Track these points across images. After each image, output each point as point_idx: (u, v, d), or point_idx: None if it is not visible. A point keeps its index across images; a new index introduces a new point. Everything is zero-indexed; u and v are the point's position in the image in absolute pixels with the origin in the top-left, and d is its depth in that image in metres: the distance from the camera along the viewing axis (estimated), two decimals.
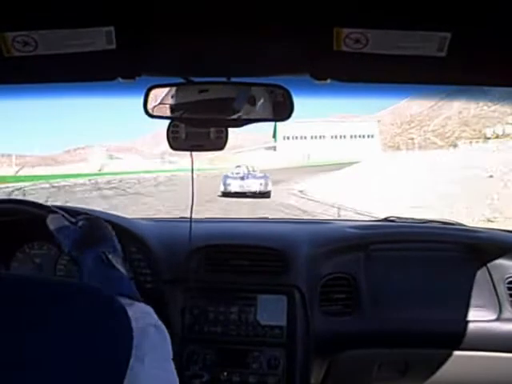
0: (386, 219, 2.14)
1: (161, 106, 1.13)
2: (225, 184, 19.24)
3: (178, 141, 1.36)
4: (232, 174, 20.83)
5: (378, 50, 0.86)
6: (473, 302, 1.68)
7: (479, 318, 1.66)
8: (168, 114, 1.16)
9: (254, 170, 22.09)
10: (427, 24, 0.82)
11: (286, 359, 1.58)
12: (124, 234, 1.62)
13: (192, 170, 1.47)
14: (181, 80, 1.11)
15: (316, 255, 1.71)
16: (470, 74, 1.00)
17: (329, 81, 1.04)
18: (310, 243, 1.76)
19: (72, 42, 0.86)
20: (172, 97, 1.13)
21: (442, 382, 1.75)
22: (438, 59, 0.86)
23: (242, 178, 19.71)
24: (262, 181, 19.42)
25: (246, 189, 18.78)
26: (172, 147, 1.37)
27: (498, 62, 0.93)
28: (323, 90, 1.13)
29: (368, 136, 64.41)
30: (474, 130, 56.09)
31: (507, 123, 51.68)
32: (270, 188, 19.12)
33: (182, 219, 1.90)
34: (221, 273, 1.68)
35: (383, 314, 1.67)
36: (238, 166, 22.35)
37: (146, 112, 1.12)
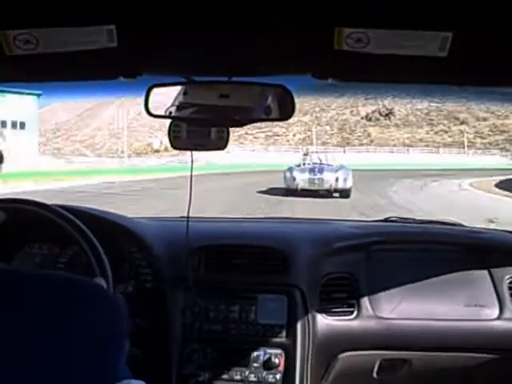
0: (386, 219, 2.14)
1: (172, 106, 1.13)
2: (288, 178, 14.81)
3: (179, 140, 1.36)
4: (299, 165, 16.32)
5: (379, 49, 0.86)
6: (474, 301, 1.68)
7: (480, 318, 1.66)
8: (172, 113, 1.15)
9: (327, 160, 17.08)
10: (429, 24, 0.82)
11: (286, 359, 1.59)
12: (124, 233, 1.66)
13: (191, 169, 1.47)
14: (182, 79, 1.10)
15: (316, 255, 1.71)
16: (472, 74, 1.00)
17: (330, 80, 1.04)
18: (311, 243, 1.76)
19: (73, 40, 0.86)
20: (182, 97, 1.13)
21: (442, 382, 1.76)
22: (440, 59, 0.86)
23: (313, 171, 14.82)
24: (340, 174, 14.34)
25: (317, 185, 14.30)
26: (173, 146, 1.38)
27: (500, 62, 0.92)
28: (324, 88, 1.13)
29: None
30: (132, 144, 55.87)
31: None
32: (350, 185, 14.17)
33: (182, 218, 1.89)
34: (221, 272, 1.68)
35: (383, 313, 1.67)
36: (306, 155, 17.91)
37: (147, 111, 1.11)
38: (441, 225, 2.04)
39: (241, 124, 1.21)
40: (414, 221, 2.10)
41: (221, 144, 1.36)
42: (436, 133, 57.80)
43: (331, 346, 1.66)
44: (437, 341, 1.66)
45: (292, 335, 1.60)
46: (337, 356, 1.66)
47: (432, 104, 59.62)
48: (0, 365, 0.54)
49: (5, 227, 1.44)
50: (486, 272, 1.71)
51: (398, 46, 0.85)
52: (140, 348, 1.49)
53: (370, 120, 59.02)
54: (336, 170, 14.74)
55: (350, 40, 0.85)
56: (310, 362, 1.61)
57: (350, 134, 58.06)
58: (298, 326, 1.60)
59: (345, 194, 14.06)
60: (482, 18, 0.80)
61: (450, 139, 55.47)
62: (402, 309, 1.67)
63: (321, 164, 16.33)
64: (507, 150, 50.62)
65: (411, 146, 50.35)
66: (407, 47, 0.85)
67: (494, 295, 1.68)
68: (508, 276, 1.70)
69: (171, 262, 1.67)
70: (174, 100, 1.13)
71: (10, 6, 0.80)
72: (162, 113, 1.15)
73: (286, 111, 1.12)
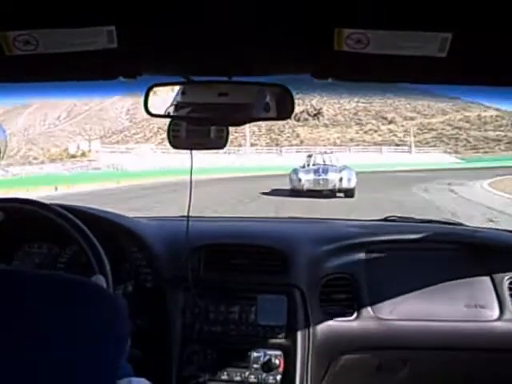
0: (386, 219, 2.14)
1: (172, 105, 1.13)
2: (293, 179, 15.06)
3: (178, 140, 1.36)
4: (303, 166, 16.61)
5: (379, 50, 0.87)
6: (474, 301, 1.68)
7: (480, 318, 1.66)
8: (171, 113, 1.15)
9: (331, 161, 17.22)
10: (428, 24, 0.83)
11: (286, 359, 1.59)
12: (124, 233, 1.65)
13: (191, 169, 1.46)
14: (181, 79, 1.11)
15: (316, 255, 1.72)
16: (471, 75, 1.01)
17: (330, 80, 1.05)
18: (311, 242, 1.77)
19: (73, 41, 0.87)
20: (182, 96, 1.12)
21: (441, 382, 1.76)
22: (439, 59, 0.87)
23: (317, 172, 15.08)
24: (344, 174, 14.50)
25: (322, 185, 14.48)
26: (173, 146, 1.38)
27: (499, 62, 0.93)
28: (324, 89, 1.15)
29: None
30: (42, 149, 53.47)
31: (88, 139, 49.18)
32: (353, 184, 14.27)
33: (181, 218, 1.89)
34: (221, 272, 1.68)
35: (383, 314, 1.67)
36: (310, 156, 18.01)
37: (147, 110, 1.11)
38: (441, 224, 2.04)
39: (240, 123, 1.20)
40: (414, 220, 2.10)
41: (220, 143, 1.36)
42: (366, 132, 57.62)
43: (331, 347, 1.66)
44: (437, 341, 1.66)
45: (292, 336, 1.60)
46: (337, 357, 1.66)
47: (360, 104, 61.09)
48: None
49: (4, 227, 1.43)
50: (486, 272, 1.71)
51: (398, 46, 0.86)
52: (140, 349, 1.48)
53: (298, 120, 58.36)
54: (340, 171, 14.87)
55: (349, 41, 0.85)
56: (310, 362, 1.62)
57: (279, 134, 57.53)
58: (298, 326, 1.61)
59: (349, 193, 14.13)
60: (481, 18, 0.81)
61: (380, 138, 55.23)
62: (401, 309, 1.68)
63: (325, 165, 16.41)
64: (437, 147, 52.57)
65: (341, 146, 49.38)
66: (407, 48, 0.86)
67: (494, 296, 1.68)
68: (508, 276, 1.70)
69: (171, 261, 1.66)
70: (173, 99, 1.13)
71: (10, 7, 0.80)
72: (161, 112, 1.14)
73: (285, 110, 1.12)
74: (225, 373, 1.60)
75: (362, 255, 1.75)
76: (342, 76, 1.06)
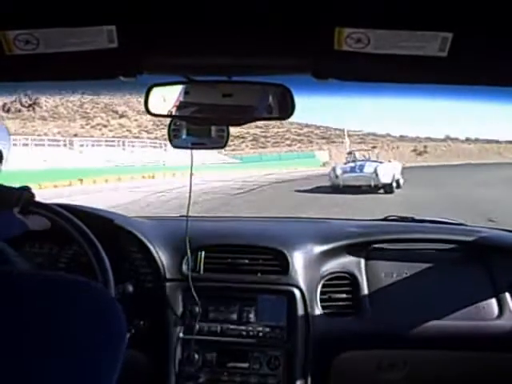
0: (386, 218, 2.14)
1: (174, 105, 1.13)
2: (332, 176, 15.66)
3: (178, 139, 1.38)
4: (346, 163, 17.14)
5: (379, 49, 0.87)
6: (473, 301, 1.68)
7: (480, 318, 1.66)
8: (173, 112, 1.15)
9: (370, 157, 18.06)
10: (429, 24, 0.83)
11: (286, 359, 1.60)
12: (124, 232, 1.65)
13: (191, 168, 1.47)
14: (182, 78, 1.10)
15: (316, 254, 1.72)
16: (471, 74, 1.02)
17: (330, 80, 1.05)
18: (311, 242, 1.76)
19: (73, 40, 0.87)
20: (183, 96, 1.13)
21: (441, 382, 1.77)
22: (440, 59, 0.88)
23: (354, 168, 15.66)
24: (380, 169, 14.81)
25: (358, 181, 14.85)
26: (173, 145, 1.39)
27: (500, 62, 0.95)
28: (324, 88, 1.15)
29: None
30: None
31: None
32: (389, 179, 14.52)
33: (181, 217, 1.89)
34: (221, 273, 1.68)
35: (383, 313, 1.68)
36: (350, 153, 18.95)
37: (147, 110, 1.11)
38: (441, 224, 2.04)
39: (241, 123, 1.19)
40: (414, 220, 2.10)
41: (221, 142, 1.37)
42: (93, 127, 54.12)
43: (331, 347, 1.67)
44: (437, 341, 1.66)
45: (292, 336, 1.61)
46: (337, 356, 1.67)
47: (85, 96, 58.29)
48: None
49: None
50: (486, 272, 1.72)
51: (398, 46, 0.87)
52: (139, 349, 1.49)
53: (8, 111, 52.66)
54: (376, 167, 15.13)
55: (350, 40, 0.86)
56: (310, 362, 1.62)
57: None
58: (298, 326, 1.61)
59: (388, 189, 14.49)
60: (481, 18, 0.82)
61: (111, 133, 53.63)
62: (401, 309, 1.68)
63: (364, 161, 16.81)
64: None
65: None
66: (407, 47, 0.87)
67: (494, 295, 1.69)
68: (507, 276, 1.71)
69: (171, 261, 1.67)
70: (176, 99, 1.12)
71: (11, 6, 0.81)
72: (162, 112, 1.14)
73: (285, 110, 1.12)
74: (225, 373, 1.60)
75: (361, 255, 1.76)
76: (342, 76, 1.06)
